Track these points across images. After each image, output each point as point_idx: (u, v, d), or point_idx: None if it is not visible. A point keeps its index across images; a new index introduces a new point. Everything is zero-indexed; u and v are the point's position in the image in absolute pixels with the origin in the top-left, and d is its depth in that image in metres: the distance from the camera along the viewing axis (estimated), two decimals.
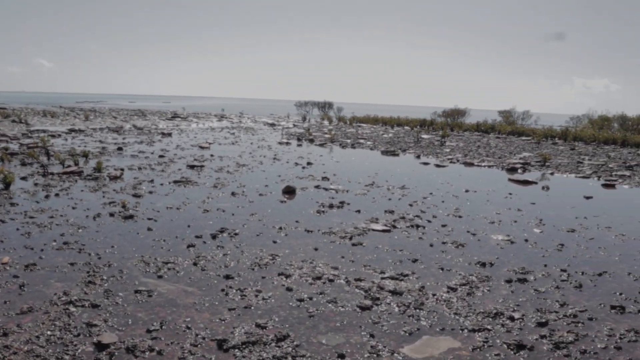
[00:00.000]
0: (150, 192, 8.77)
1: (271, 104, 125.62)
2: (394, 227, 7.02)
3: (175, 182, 9.85)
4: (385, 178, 11.35)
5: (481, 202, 9.00)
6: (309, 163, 13.36)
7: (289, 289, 4.62)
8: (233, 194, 8.89)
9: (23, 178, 9.86)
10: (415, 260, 5.58)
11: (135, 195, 8.45)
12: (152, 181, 9.82)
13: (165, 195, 8.58)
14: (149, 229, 6.44)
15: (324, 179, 10.90)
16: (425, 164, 14.53)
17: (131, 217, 7.02)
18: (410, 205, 8.51)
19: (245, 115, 44.42)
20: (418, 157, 16.23)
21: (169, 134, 21.38)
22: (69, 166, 11.32)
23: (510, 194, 9.95)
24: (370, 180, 11.00)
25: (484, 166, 14.33)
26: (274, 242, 6.11)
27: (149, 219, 6.97)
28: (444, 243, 6.32)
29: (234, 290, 4.54)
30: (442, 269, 5.35)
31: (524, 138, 25.57)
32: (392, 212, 7.92)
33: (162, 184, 9.58)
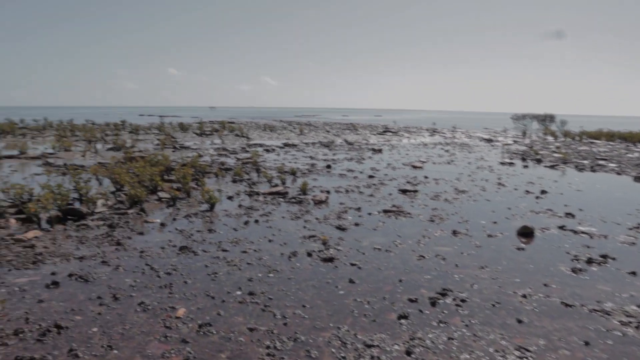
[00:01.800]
0: (356, 225, 7.49)
1: (484, 117, 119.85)
2: None
3: (385, 211, 8.46)
4: None
5: None
6: (543, 191, 10.98)
7: None
8: (454, 232, 7.17)
9: (229, 197, 9.42)
10: None
11: (339, 228, 7.24)
12: (359, 209, 8.57)
13: (374, 230, 7.22)
14: (351, 281, 5.07)
15: (568, 215, 8.56)
16: None
17: (331, 259, 5.75)
18: None
19: (458, 130, 42.11)
20: None
21: (380, 150, 20.38)
22: (276, 185, 10.74)
23: None
24: (633, 220, 8.33)
25: None
26: (519, 321, 4.27)
27: (352, 264, 5.62)
28: None
29: None
30: None
31: None
32: None
33: (370, 214, 8.27)
